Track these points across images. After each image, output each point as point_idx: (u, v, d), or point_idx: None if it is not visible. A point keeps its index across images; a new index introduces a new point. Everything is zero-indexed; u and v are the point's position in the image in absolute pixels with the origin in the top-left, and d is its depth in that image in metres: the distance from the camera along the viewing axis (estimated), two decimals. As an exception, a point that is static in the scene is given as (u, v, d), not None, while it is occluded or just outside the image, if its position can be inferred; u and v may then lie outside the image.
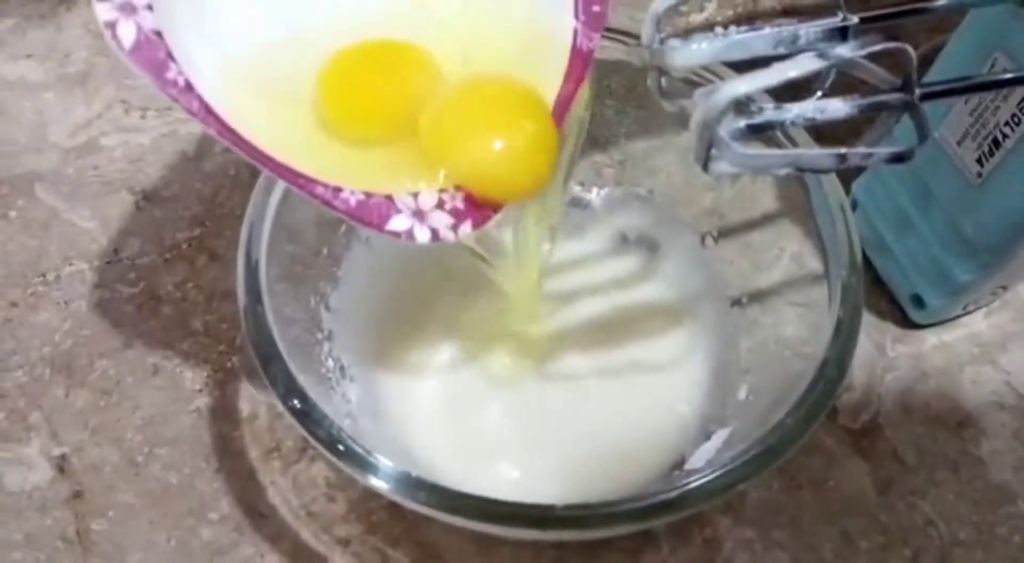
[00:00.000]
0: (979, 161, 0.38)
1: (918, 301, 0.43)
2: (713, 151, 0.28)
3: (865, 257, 0.43)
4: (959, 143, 0.38)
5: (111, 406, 0.42)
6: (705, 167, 0.28)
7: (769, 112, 0.28)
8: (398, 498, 0.31)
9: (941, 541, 0.39)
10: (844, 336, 0.34)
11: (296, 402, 0.33)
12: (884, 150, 0.29)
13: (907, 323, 0.44)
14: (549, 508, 0.29)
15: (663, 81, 0.31)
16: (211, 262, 0.46)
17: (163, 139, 0.50)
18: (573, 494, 0.37)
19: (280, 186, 0.38)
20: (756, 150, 0.28)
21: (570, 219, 0.45)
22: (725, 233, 0.43)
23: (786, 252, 0.41)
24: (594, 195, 0.45)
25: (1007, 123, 0.36)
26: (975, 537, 0.39)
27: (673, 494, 0.30)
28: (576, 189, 0.45)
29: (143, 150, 0.50)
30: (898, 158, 0.30)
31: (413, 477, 0.31)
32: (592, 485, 0.38)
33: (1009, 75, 0.31)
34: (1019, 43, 0.35)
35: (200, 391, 0.43)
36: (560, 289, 0.43)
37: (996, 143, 0.37)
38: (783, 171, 0.29)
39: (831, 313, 0.34)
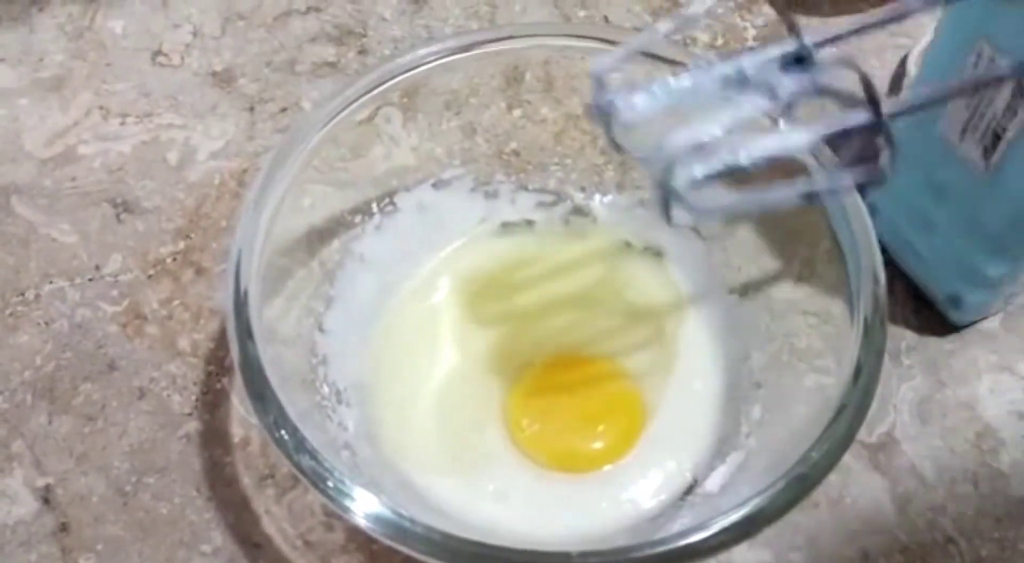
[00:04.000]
0: (984, 154, 0.37)
1: (955, 301, 0.42)
2: (673, 203, 0.26)
3: (890, 261, 0.41)
4: (961, 138, 0.37)
5: (96, 432, 0.40)
6: (668, 220, 0.27)
7: (725, 155, 0.26)
8: (390, 542, 0.30)
9: (962, 559, 0.38)
10: (869, 369, 0.32)
11: (284, 434, 0.31)
12: (852, 179, 0.28)
13: (922, 329, 0.43)
14: (565, 556, 0.28)
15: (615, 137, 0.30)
16: (197, 277, 0.44)
17: (144, 147, 0.48)
18: (579, 523, 0.36)
19: (275, 195, 0.36)
20: (716, 197, 0.27)
21: (573, 227, 0.43)
22: (733, 239, 0.41)
23: (797, 258, 0.40)
24: (596, 202, 0.43)
25: (1004, 114, 0.35)
26: (998, 554, 0.38)
27: (695, 539, 0.28)
28: (578, 197, 0.43)
29: (123, 159, 0.47)
30: (870, 183, 0.28)
31: (405, 520, 0.30)
32: (599, 512, 0.36)
33: (980, 77, 0.29)
34: (1002, 30, 0.34)
35: (189, 415, 0.41)
36: (564, 298, 0.41)
37: (996, 135, 0.36)
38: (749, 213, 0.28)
39: (855, 331, 0.33)
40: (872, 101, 0.27)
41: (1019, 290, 0.42)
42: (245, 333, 0.32)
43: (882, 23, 0.28)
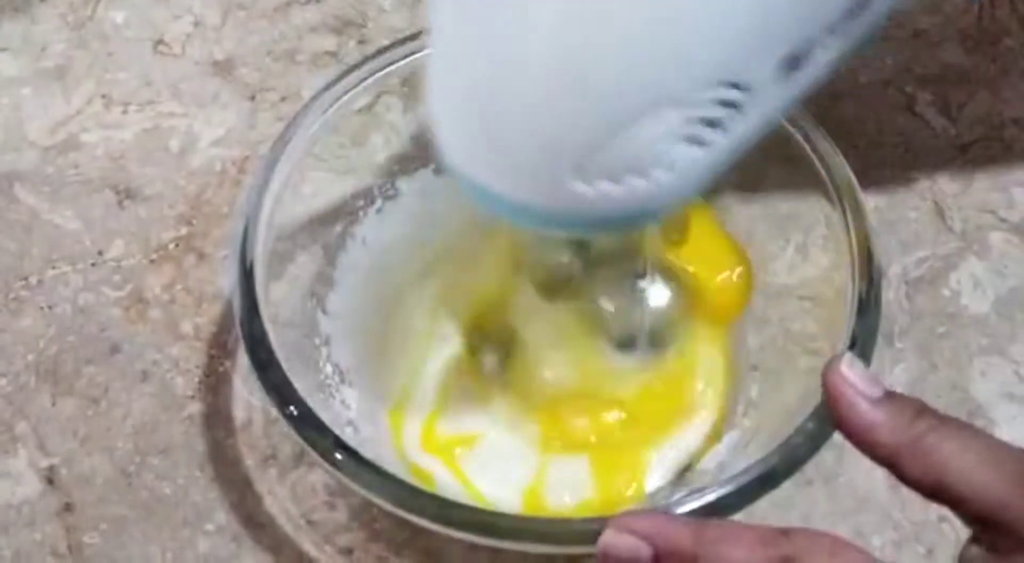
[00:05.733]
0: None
1: None
2: None
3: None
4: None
5: (100, 414, 0.41)
6: None
7: None
8: (400, 512, 0.30)
9: (956, 536, 0.38)
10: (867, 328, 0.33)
11: (293, 409, 0.32)
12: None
13: (915, 312, 0.43)
14: (565, 522, 0.28)
15: None
16: (199, 262, 0.45)
17: (145, 134, 0.48)
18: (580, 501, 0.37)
19: (277, 181, 0.36)
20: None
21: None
22: (728, 223, 0.42)
23: (791, 243, 0.40)
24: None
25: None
26: (989, 532, 0.38)
27: (693, 505, 0.29)
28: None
29: (125, 146, 0.48)
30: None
31: (413, 489, 0.30)
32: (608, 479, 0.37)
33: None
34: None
35: (192, 397, 0.41)
36: (563, 285, 0.42)
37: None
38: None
39: (851, 308, 0.33)
40: None
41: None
42: (251, 307, 0.33)
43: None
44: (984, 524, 0.25)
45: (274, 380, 0.32)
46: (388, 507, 0.30)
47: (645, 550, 0.25)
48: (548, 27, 0.25)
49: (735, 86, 0.26)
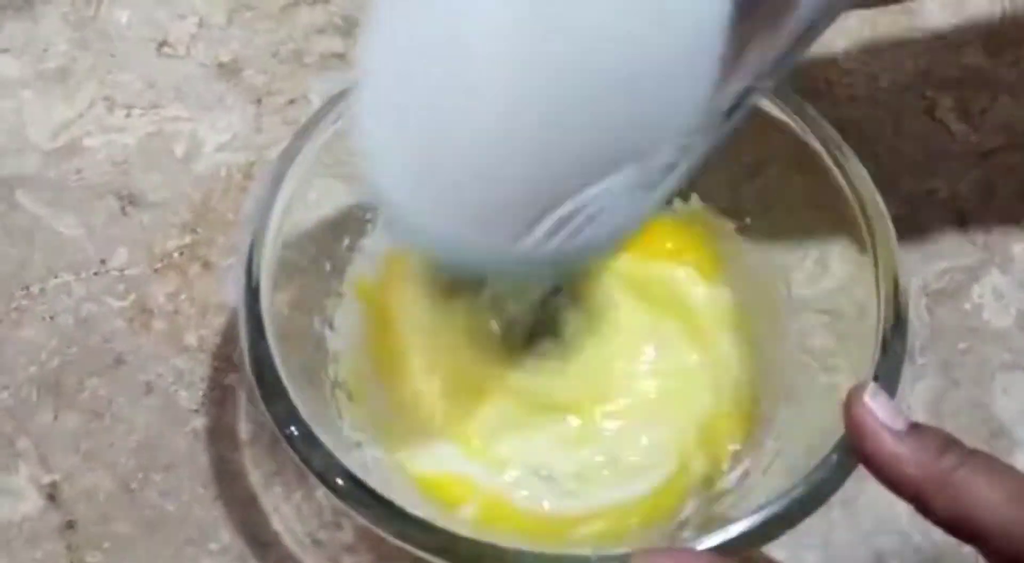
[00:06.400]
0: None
1: None
2: None
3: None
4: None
5: (103, 429, 0.40)
6: None
7: None
8: (402, 543, 0.30)
9: (976, 560, 0.38)
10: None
11: (293, 430, 0.31)
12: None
13: (936, 328, 0.42)
14: (582, 560, 0.28)
15: None
16: (204, 272, 0.44)
17: (149, 139, 0.47)
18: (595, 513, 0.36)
19: (283, 196, 0.35)
20: None
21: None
22: (745, 233, 0.41)
23: (810, 255, 0.39)
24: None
25: None
26: (1012, 555, 0.38)
27: (716, 541, 0.28)
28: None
29: (128, 151, 0.47)
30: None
31: (415, 521, 0.30)
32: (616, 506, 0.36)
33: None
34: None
35: (196, 411, 0.40)
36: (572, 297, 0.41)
37: None
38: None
39: (875, 338, 0.32)
40: None
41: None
42: (256, 327, 0.32)
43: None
44: (1009, 561, 0.24)
45: (276, 401, 0.31)
46: (390, 538, 0.29)
47: None
48: (513, 96, 0.26)
49: (694, 132, 0.27)
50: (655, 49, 0.26)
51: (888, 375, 0.32)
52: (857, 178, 0.36)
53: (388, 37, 0.27)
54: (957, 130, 0.48)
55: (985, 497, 0.24)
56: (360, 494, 0.30)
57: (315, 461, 0.31)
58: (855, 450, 0.26)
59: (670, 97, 0.27)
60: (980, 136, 0.47)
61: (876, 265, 0.34)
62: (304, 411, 0.32)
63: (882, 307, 0.33)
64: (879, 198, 0.35)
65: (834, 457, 0.30)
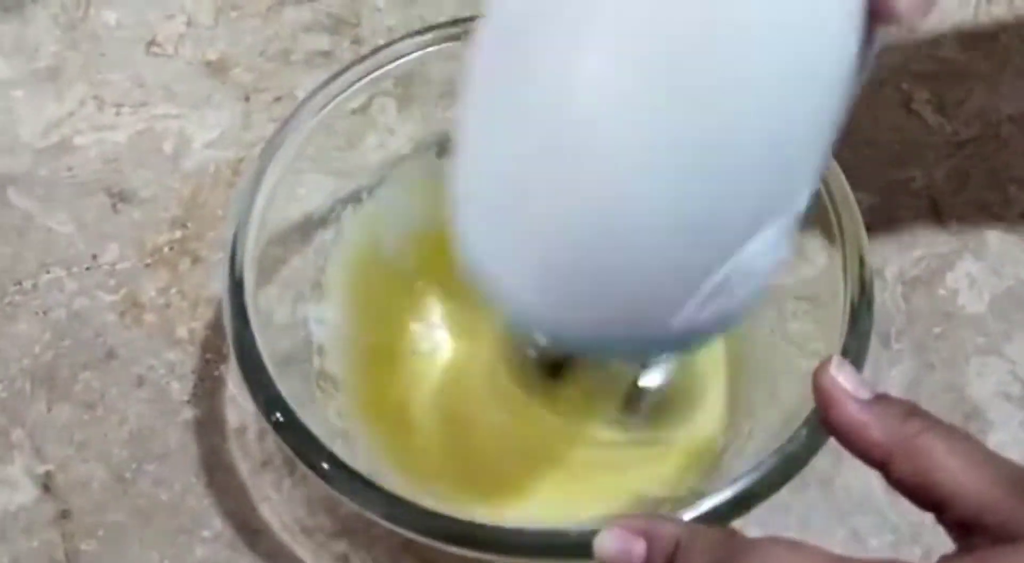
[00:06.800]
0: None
1: None
2: None
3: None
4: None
5: (96, 420, 0.41)
6: None
7: None
8: (389, 524, 0.31)
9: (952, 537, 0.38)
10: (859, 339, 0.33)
11: (279, 417, 0.32)
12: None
13: (911, 313, 0.43)
14: (560, 534, 0.28)
15: None
16: (194, 266, 0.44)
17: (139, 136, 0.48)
18: (576, 504, 0.36)
19: (267, 187, 0.36)
20: None
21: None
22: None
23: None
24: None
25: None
26: (985, 533, 0.39)
27: (690, 516, 0.29)
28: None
29: (119, 149, 0.48)
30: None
31: (402, 502, 0.30)
32: (598, 495, 0.37)
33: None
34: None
35: (188, 402, 0.41)
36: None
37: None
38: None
39: (843, 315, 0.33)
40: None
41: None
42: (240, 318, 0.33)
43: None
44: (966, 529, 0.25)
45: (262, 390, 0.32)
46: (376, 519, 0.30)
47: (639, 545, 0.25)
48: (660, 184, 0.24)
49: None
50: (803, 100, 0.25)
51: (856, 349, 0.32)
52: (828, 171, 0.37)
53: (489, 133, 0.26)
54: (933, 121, 0.49)
55: (946, 463, 0.24)
56: (346, 478, 0.31)
57: (301, 447, 0.32)
58: (822, 419, 0.27)
59: (812, 146, 0.26)
60: (955, 127, 0.48)
61: (844, 247, 0.35)
62: (290, 399, 0.32)
63: (849, 285, 0.34)
64: (848, 188, 0.36)
65: (804, 431, 0.31)
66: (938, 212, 0.46)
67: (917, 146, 0.48)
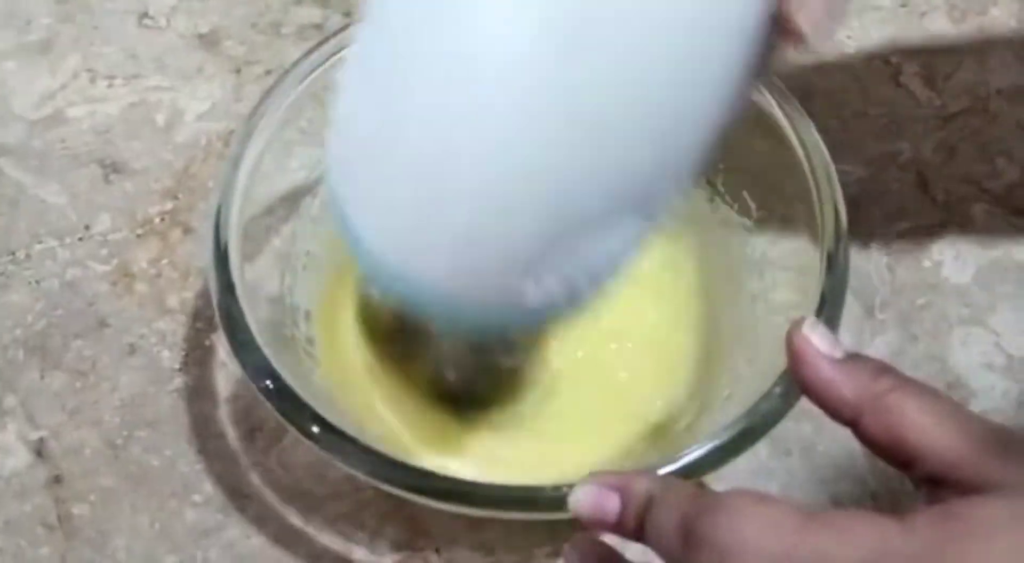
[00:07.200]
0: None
1: None
2: None
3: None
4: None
5: (88, 388, 0.41)
6: None
7: None
8: (376, 482, 0.31)
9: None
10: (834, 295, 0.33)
11: (269, 383, 0.32)
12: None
13: (896, 284, 0.44)
14: (539, 489, 0.29)
15: None
16: (185, 236, 0.45)
17: (131, 108, 0.48)
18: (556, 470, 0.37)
19: (251, 157, 0.36)
20: None
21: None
22: (711, 196, 0.42)
23: (775, 215, 0.41)
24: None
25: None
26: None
27: (667, 469, 0.29)
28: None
29: (111, 120, 0.48)
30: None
31: (389, 460, 0.31)
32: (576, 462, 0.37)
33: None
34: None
35: (179, 370, 0.42)
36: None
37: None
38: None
39: (819, 280, 0.34)
40: None
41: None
42: (226, 286, 0.33)
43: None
44: (935, 484, 0.25)
45: (250, 357, 0.33)
46: (365, 478, 0.31)
47: (613, 501, 0.26)
48: (526, 145, 0.25)
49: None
50: (681, 96, 0.26)
51: (833, 299, 0.33)
52: (811, 144, 0.37)
53: (372, 67, 0.26)
54: (921, 95, 0.49)
55: (916, 420, 0.25)
56: (336, 440, 0.32)
57: (290, 412, 0.32)
58: (795, 377, 0.27)
59: (683, 149, 0.27)
60: (943, 100, 0.49)
61: (819, 200, 0.35)
62: (276, 364, 0.33)
63: (824, 236, 0.34)
64: (830, 161, 0.36)
65: (777, 390, 0.31)
66: (925, 185, 0.46)
67: (905, 119, 0.48)
